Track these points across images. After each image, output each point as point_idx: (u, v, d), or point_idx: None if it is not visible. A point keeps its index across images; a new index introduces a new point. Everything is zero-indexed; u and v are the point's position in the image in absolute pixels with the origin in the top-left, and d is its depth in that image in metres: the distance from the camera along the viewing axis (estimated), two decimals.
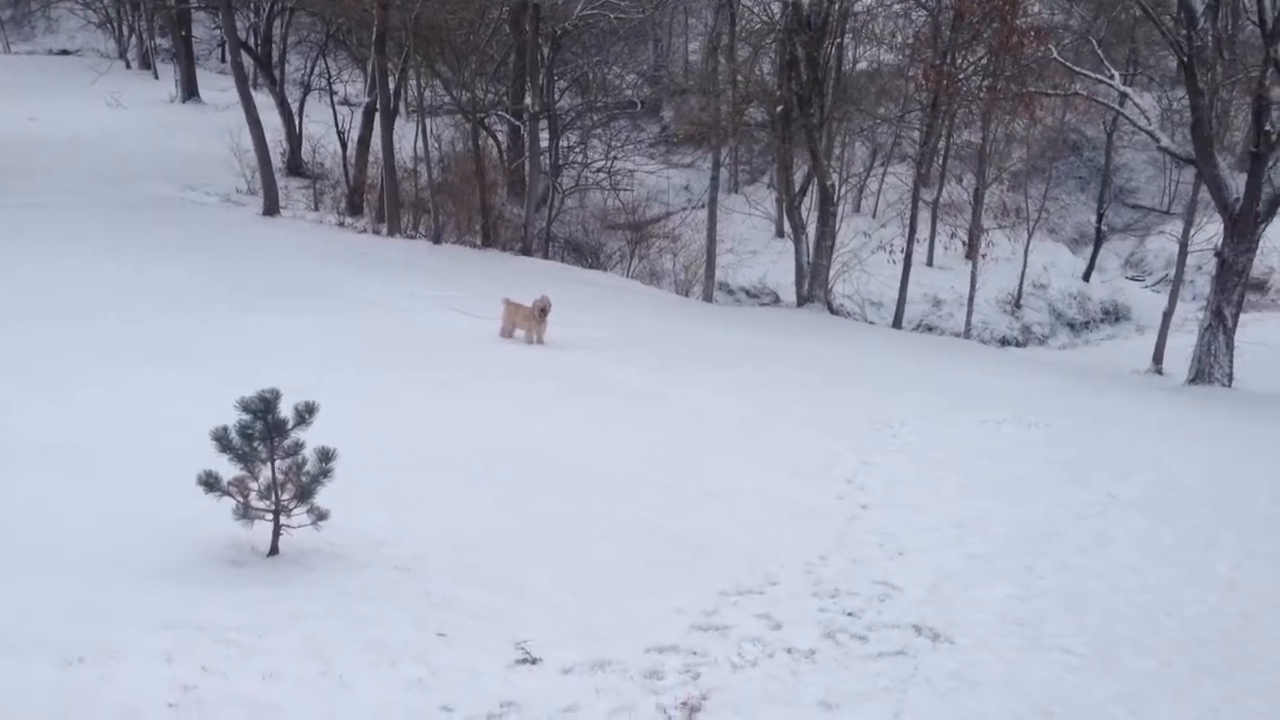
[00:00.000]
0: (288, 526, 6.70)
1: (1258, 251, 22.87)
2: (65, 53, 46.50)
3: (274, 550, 6.71)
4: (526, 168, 26.19)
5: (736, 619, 6.93)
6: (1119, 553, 9.38)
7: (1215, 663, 7.21)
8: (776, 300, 29.08)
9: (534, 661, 5.81)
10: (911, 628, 7.17)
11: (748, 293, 30.35)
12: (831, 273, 26.73)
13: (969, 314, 28.15)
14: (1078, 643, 7.26)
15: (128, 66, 43.78)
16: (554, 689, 5.52)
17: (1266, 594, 8.69)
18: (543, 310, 14.70)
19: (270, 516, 6.63)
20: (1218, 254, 21.88)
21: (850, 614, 7.34)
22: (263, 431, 6.48)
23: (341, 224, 24.81)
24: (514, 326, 15.00)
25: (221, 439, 6.42)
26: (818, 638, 6.85)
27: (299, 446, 6.63)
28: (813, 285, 25.97)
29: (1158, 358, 25.02)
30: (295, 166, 29.24)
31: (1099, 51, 24.73)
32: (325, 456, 6.69)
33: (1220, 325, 21.67)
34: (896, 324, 26.75)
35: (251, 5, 32.32)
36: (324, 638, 5.60)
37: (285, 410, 6.52)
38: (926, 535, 9.31)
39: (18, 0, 48.41)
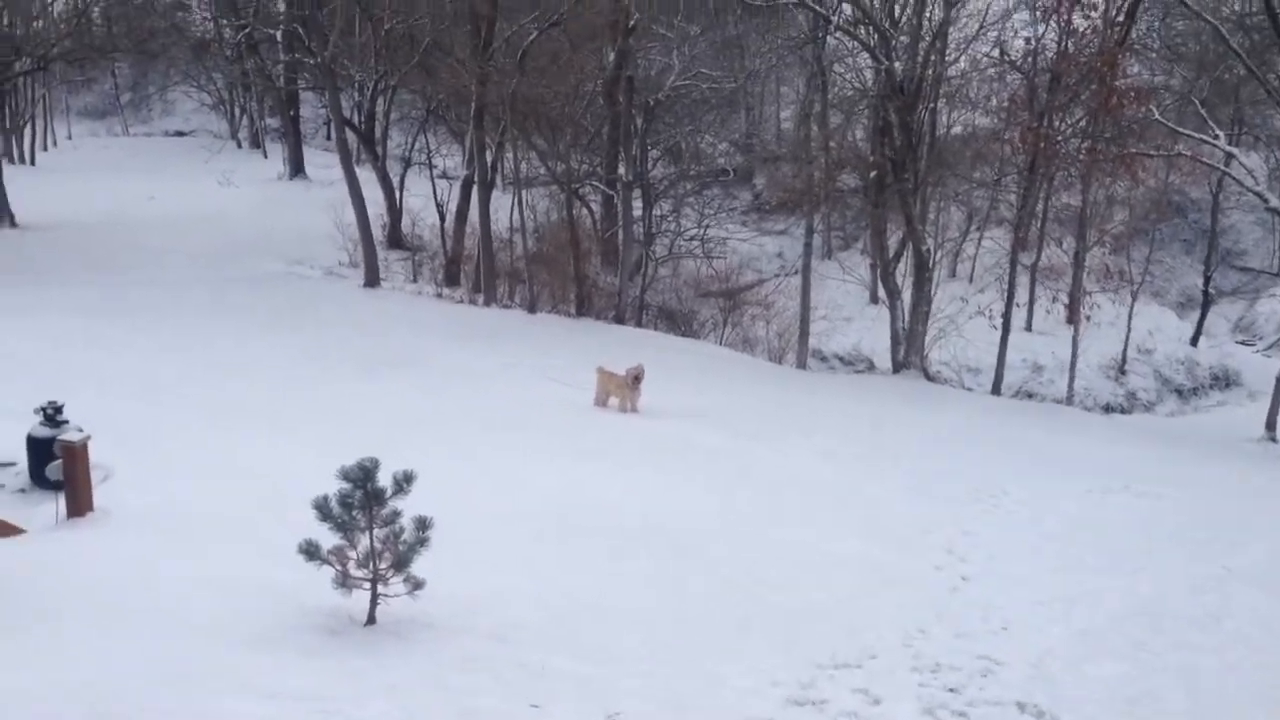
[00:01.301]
0: (385, 595, 6.74)
1: None
2: (180, 134, 48.78)
3: (371, 619, 6.76)
4: (620, 236, 26.46)
5: (833, 692, 6.76)
6: (1236, 628, 8.96)
7: None
8: (871, 367, 28.73)
9: None
10: (1015, 705, 6.93)
11: (842, 360, 30.04)
12: (928, 339, 26.33)
13: (1071, 380, 27.44)
14: None
15: (239, 146, 45.67)
16: None
17: None
18: (636, 378, 14.61)
19: (368, 585, 6.68)
20: None
21: (952, 690, 7.12)
22: (362, 500, 6.56)
23: (439, 294, 25.29)
24: (608, 395, 14.99)
25: (322, 508, 6.52)
26: (917, 714, 6.66)
27: (397, 515, 6.69)
28: (908, 352, 25.59)
29: (1271, 425, 24.04)
30: (395, 239, 29.98)
31: (1202, 111, 24.22)
32: (422, 525, 6.74)
33: None
34: (995, 390, 26.18)
35: (356, 84, 33.46)
36: (419, 709, 5.61)
37: (384, 479, 6.60)
38: (1031, 609, 9.01)
39: (136, 84, 50.95)
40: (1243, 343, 34.78)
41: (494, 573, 8.06)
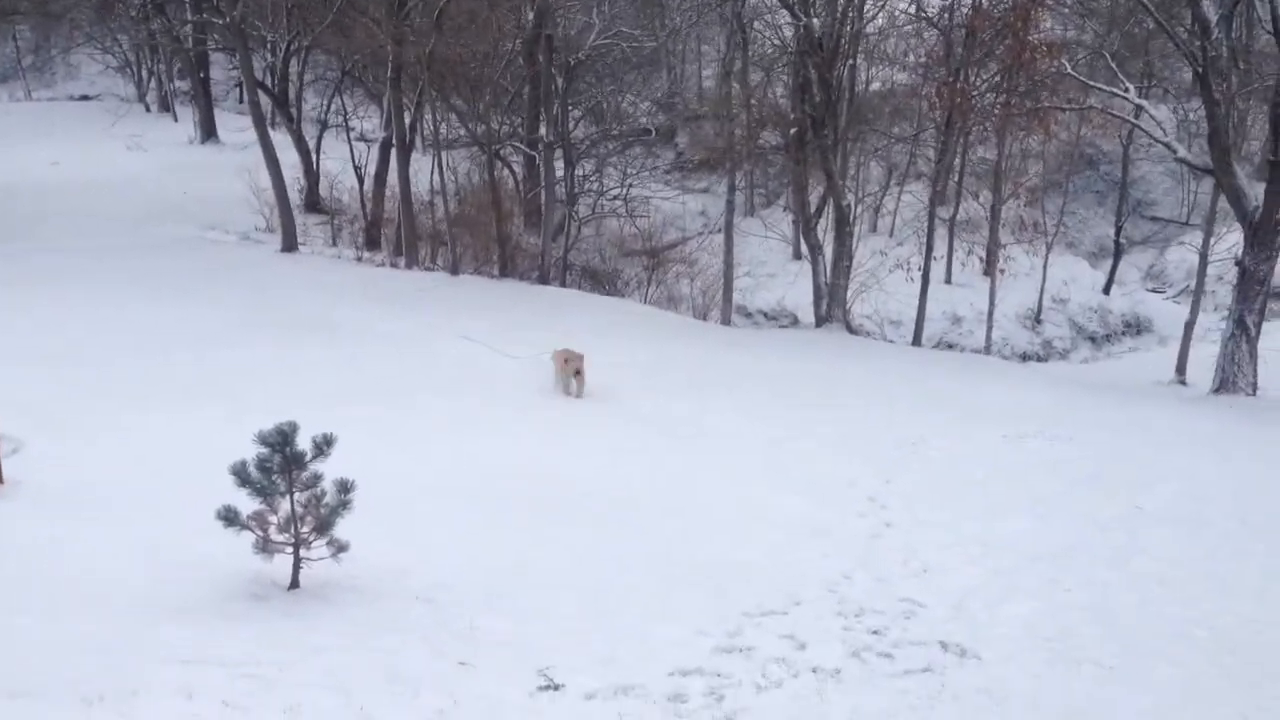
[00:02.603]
0: (308, 559, 6.71)
1: (1279, 259, 22.70)
2: (85, 98, 47.08)
3: (295, 584, 6.72)
4: (542, 197, 26.29)
5: (760, 640, 6.89)
6: (1147, 565, 9.28)
7: (1246, 672, 7.12)
8: (795, 322, 29.02)
9: (556, 688, 5.79)
10: (938, 645, 7.12)
11: (766, 315, 30.29)
12: (849, 293, 26.63)
13: (989, 330, 28.00)
14: (1106, 656, 7.19)
15: (147, 110, 44.30)
16: (576, 715, 5.50)
17: None
18: (576, 366, 13.61)
19: (290, 550, 6.64)
20: (1238, 263, 21.70)
21: (875, 632, 7.30)
22: (281, 465, 6.50)
23: (359, 258, 24.95)
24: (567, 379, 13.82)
25: (240, 473, 6.45)
26: (843, 657, 6.81)
27: (317, 479, 6.65)
28: (831, 306, 25.89)
29: (1180, 369, 24.79)
30: (313, 203, 29.44)
31: (1113, 65, 24.68)
32: (344, 488, 6.71)
33: (1243, 334, 21.46)
34: (916, 342, 26.63)
35: (268, 45, 32.65)
36: (345, 670, 5.59)
37: (303, 443, 6.55)
38: (951, 552, 9.25)
39: (38, 47, 49.13)
40: (1153, 290, 35.73)
41: (420, 537, 8.05)
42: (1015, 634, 7.47)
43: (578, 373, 13.46)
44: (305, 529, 6.61)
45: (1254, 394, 21.44)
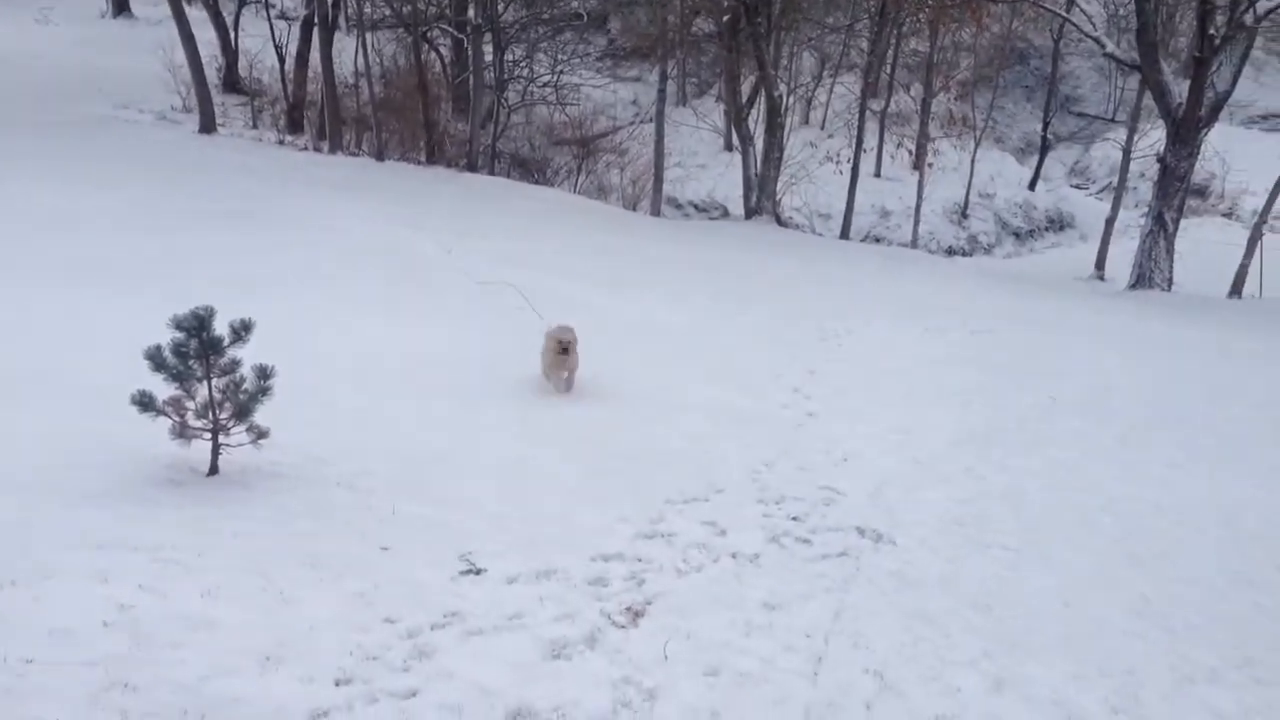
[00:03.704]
0: (227, 446, 6.62)
1: (1199, 157, 23.08)
2: None
3: (214, 470, 6.64)
4: (470, 83, 25.67)
5: (682, 526, 6.98)
6: (1058, 453, 9.56)
7: (1148, 555, 7.41)
8: (725, 214, 28.97)
9: (478, 572, 5.83)
10: (855, 530, 7.28)
11: (696, 207, 30.19)
12: (779, 185, 26.62)
13: (916, 224, 28.25)
14: (1016, 540, 7.42)
15: None
16: (498, 598, 5.55)
17: (1199, 490, 8.92)
18: (563, 345, 9.66)
19: (209, 436, 6.54)
20: (1160, 160, 22.05)
21: (795, 518, 7.43)
22: (198, 349, 6.35)
23: (281, 142, 24.25)
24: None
25: (155, 358, 6.29)
26: (762, 542, 6.93)
27: (236, 364, 6.52)
28: (760, 198, 25.87)
29: (1100, 264, 25.31)
30: (232, 83, 28.41)
31: None
32: (264, 374, 6.59)
33: (1161, 230, 21.92)
34: (844, 235, 26.79)
35: None
36: (265, 555, 5.56)
37: (221, 328, 6.40)
38: (871, 441, 9.43)
39: None
40: (1077, 186, 36.22)
41: (342, 424, 7.98)
42: (930, 519, 7.66)
43: (565, 350, 9.56)
44: (224, 415, 6.51)
45: (1169, 289, 21.98)
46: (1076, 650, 5.78)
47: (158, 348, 6.27)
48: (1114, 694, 5.32)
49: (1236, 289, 22.18)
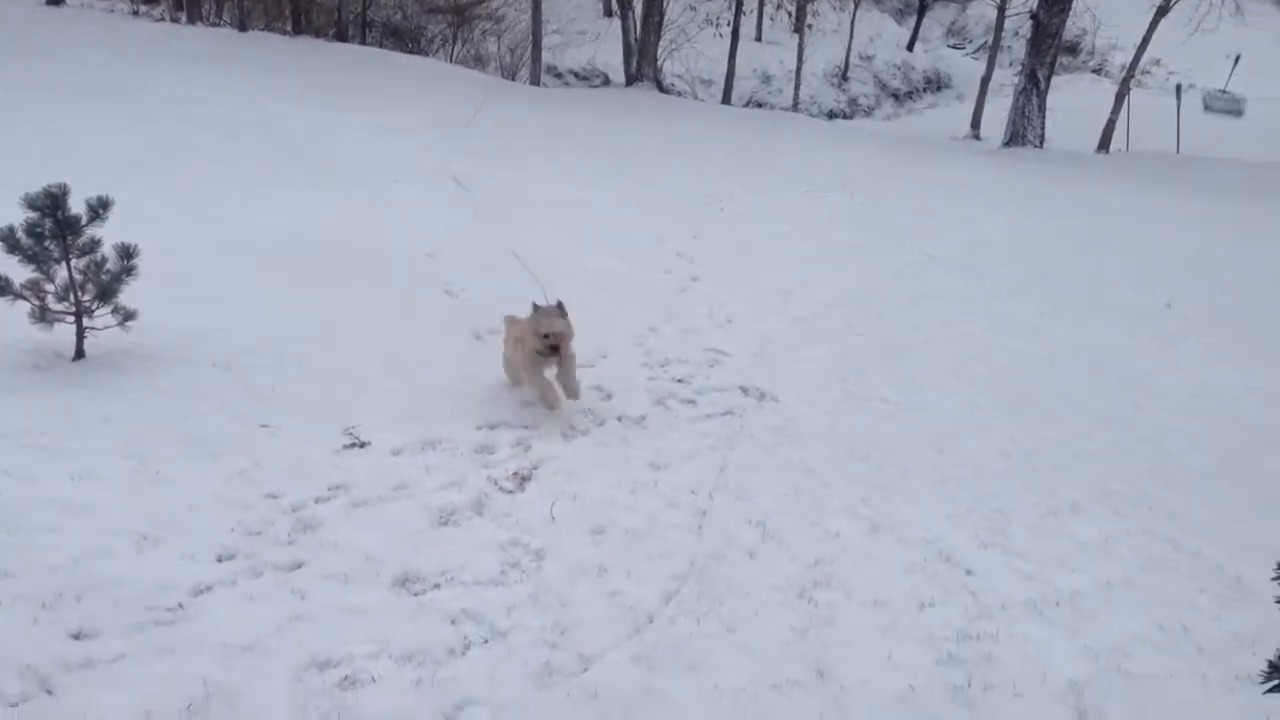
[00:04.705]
0: (92, 329, 6.37)
1: (1071, 14, 23.38)
2: None
3: (79, 354, 6.39)
4: None
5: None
6: (933, 308, 9.83)
7: (1017, 401, 7.72)
8: (606, 82, 28.45)
9: (362, 445, 5.78)
10: (739, 389, 7.40)
11: (576, 75, 29.58)
12: (660, 50, 26.21)
13: (796, 88, 28.19)
14: (893, 392, 7.65)
15: None
16: (384, 469, 5.53)
17: (1065, 338, 9.28)
18: (550, 343, 6.39)
19: (72, 319, 6.29)
20: (1033, 16, 22.27)
21: (680, 380, 7.52)
22: (53, 229, 6.05)
23: (135, 12, 22.92)
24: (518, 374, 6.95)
25: (8, 239, 5.98)
26: (648, 404, 7.01)
27: (96, 244, 6.24)
28: (641, 64, 25.46)
29: (975, 123, 25.65)
30: None
31: None
32: (126, 254, 6.33)
33: (1034, 88, 22.29)
34: (726, 101, 26.60)
35: None
36: (139, 437, 5.42)
37: (77, 206, 6.10)
38: (753, 302, 9.53)
39: None
40: (954, 46, 36.44)
41: (216, 304, 7.71)
42: (811, 376, 7.83)
43: (554, 349, 6.37)
44: (86, 297, 6.24)
45: (1041, 146, 22.45)
46: (949, 492, 6.04)
47: (10, 228, 5.96)
48: (983, 530, 5.58)
49: (1105, 144, 22.76)
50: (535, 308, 6.51)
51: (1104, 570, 5.26)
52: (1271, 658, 1.33)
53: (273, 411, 6.02)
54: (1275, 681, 1.36)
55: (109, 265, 6.27)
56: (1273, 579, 1.29)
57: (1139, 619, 4.82)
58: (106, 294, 6.26)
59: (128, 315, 6.35)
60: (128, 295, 6.35)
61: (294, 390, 6.40)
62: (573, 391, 6.51)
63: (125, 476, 5.00)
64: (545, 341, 6.37)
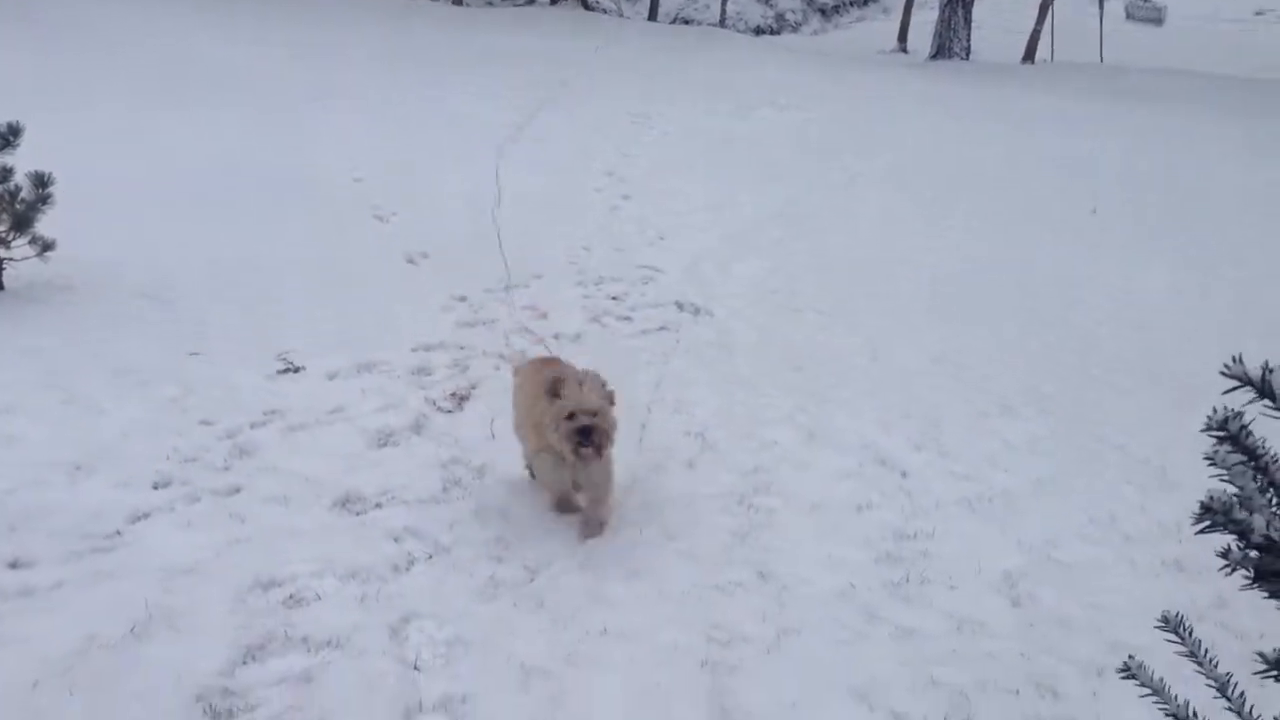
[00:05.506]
0: (10, 260, 6.19)
1: None
2: None
3: None
4: None
5: (503, 313, 6.97)
6: (863, 223, 9.90)
7: (946, 307, 7.85)
8: (530, 0, 27.92)
9: (297, 370, 5.71)
10: (673, 305, 7.43)
11: None
12: None
13: (724, 4, 27.91)
14: (825, 304, 7.72)
15: None
16: (319, 393, 5.47)
17: (990, 248, 9.42)
18: (580, 427, 4.14)
19: None
20: None
21: (614, 298, 7.53)
22: None
23: None
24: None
25: None
26: (584, 323, 7.02)
27: (8, 173, 6.04)
28: None
29: (902, 37, 25.65)
30: None
31: None
32: (41, 182, 6.14)
33: (959, 1, 22.29)
34: (652, 17, 26.28)
35: None
36: (65, 368, 5.30)
37: None
38: (684, 219, 9.53)
39: None
40: None
41: (138, 233, 7.53)
42: (745, 291, 7.88)
43: (588, 440, 4.13)
44: (2, 227, 6.06)
45: (967, 58, 22.53)
46: (882, 399, 6.14)
47: None
48: (916, 434, 5.69)
49: (1030, 55, 22.90)
50: (553, 384, 4.17)
51: (1034, 468, 5.42)
52: (1269, 654, 1.39)
53: (202, 340, 5.92)
54: (1273, 674, 1.42)
55: (24, 194, 6.08)
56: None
57: (1069, 512, 4.98)
58: (22, 224, 6.08)
59: (46, 245, 6.18)
60: (45, 225, 6.18)
61: (222, 318, 6.29)
62: (598, 524, 4.39)
63: (53, 408, 4.90)
64: (571, 427, 4.10)
